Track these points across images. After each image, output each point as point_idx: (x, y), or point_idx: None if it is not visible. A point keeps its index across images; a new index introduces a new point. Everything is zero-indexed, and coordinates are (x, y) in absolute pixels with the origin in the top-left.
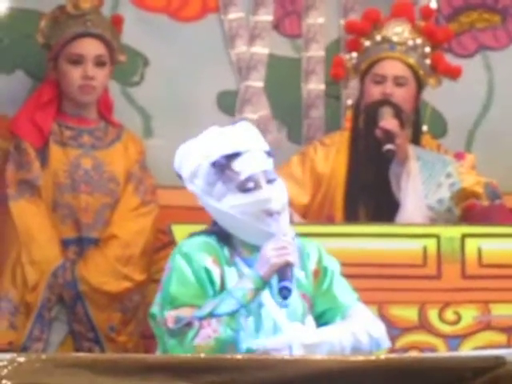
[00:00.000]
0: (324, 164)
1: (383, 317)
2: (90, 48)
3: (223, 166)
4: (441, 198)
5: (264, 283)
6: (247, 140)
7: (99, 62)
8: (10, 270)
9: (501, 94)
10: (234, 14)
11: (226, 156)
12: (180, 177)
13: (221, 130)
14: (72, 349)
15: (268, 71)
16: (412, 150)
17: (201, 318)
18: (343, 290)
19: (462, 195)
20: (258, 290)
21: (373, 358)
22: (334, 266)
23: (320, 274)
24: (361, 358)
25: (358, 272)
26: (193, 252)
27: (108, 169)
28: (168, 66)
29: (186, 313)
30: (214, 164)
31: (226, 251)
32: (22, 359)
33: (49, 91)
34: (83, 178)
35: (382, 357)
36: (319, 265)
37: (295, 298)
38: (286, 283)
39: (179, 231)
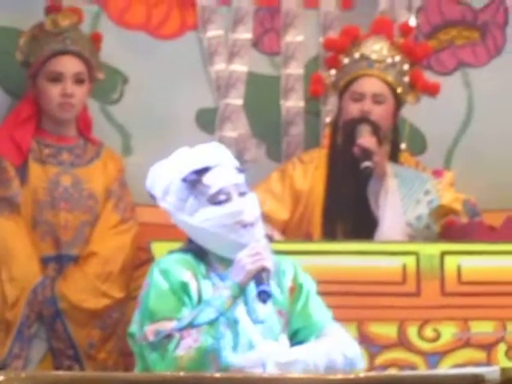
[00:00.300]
0: (303, 181)
1: (362, 334)
2: (69, 65)
3: (194, 181)
4: (419, 215)
5: (241, 290)
6: (217, 156)
7: (78, 80)
8: None
9: (480, 111)
10: (212, 32)
11: (196, 171)
12: (153, 196)
13: (191, 149)
14: (52, 366)
15: (247, 89)
16: (390, 167)
17: (181, 329)
18: (318, 309)
19: (441, 212)
20: (235, 298)
21: (352, 376)
22: (309, 284)
23: (295, 290)
24: (340, 376)
25: (337, 289)
26: (170, 267)
27: (87, 186)
28: (147, 84)
29: (165, 326)
30: (185, 179)
31: (203, 267)
32: (1, 378)
33: (28, 108)
34: (62, 195)
35: (361, 375)
36: (295, 282)
37: (271, 315)
38: (264, 287)
39: (158, 249)
